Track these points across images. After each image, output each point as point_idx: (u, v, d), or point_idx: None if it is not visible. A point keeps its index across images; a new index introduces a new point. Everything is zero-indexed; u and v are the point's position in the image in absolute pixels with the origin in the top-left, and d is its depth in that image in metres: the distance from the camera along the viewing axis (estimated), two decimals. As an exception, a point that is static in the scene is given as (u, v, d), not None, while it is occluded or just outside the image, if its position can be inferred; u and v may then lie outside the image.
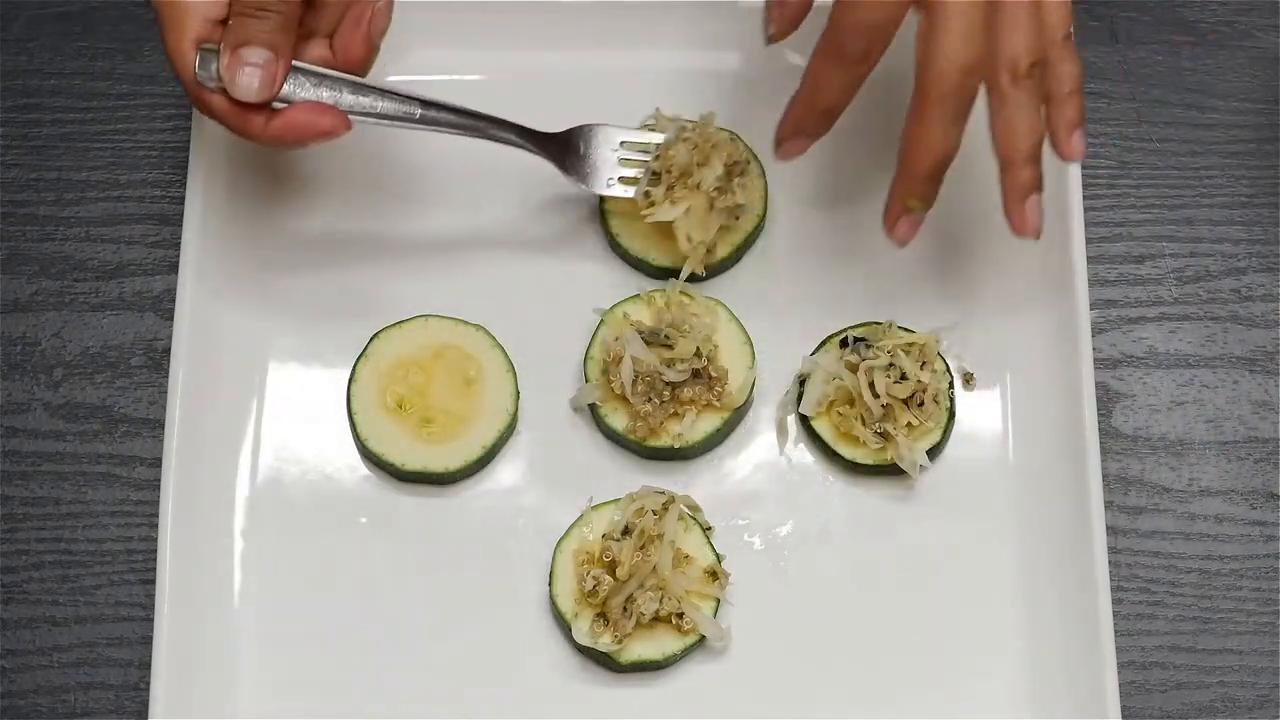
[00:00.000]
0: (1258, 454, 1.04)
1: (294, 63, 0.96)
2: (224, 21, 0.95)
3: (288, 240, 1.06)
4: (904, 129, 0.95)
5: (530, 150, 1.02)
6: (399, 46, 1.07)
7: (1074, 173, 1.04)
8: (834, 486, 1.03)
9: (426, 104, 0.99)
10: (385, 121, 0.98)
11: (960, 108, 0.94)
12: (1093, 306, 1.04)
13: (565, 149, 1.03)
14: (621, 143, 1.03)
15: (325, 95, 0.96)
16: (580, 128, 1.03)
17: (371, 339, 1.03)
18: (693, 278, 1.04)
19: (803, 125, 0.98)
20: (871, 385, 1.01)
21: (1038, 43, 0.94)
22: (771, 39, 0.98)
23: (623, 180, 1.03)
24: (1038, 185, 0.96)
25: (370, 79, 0.98)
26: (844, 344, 1.02)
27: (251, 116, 0.95)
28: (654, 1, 1.08)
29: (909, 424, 1.01)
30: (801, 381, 1.03)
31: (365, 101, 0.97)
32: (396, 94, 0.98)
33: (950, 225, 1.07)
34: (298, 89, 0.96)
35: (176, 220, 1.05)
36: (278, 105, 0.95)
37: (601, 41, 1.08)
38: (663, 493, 1.00)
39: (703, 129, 1.03)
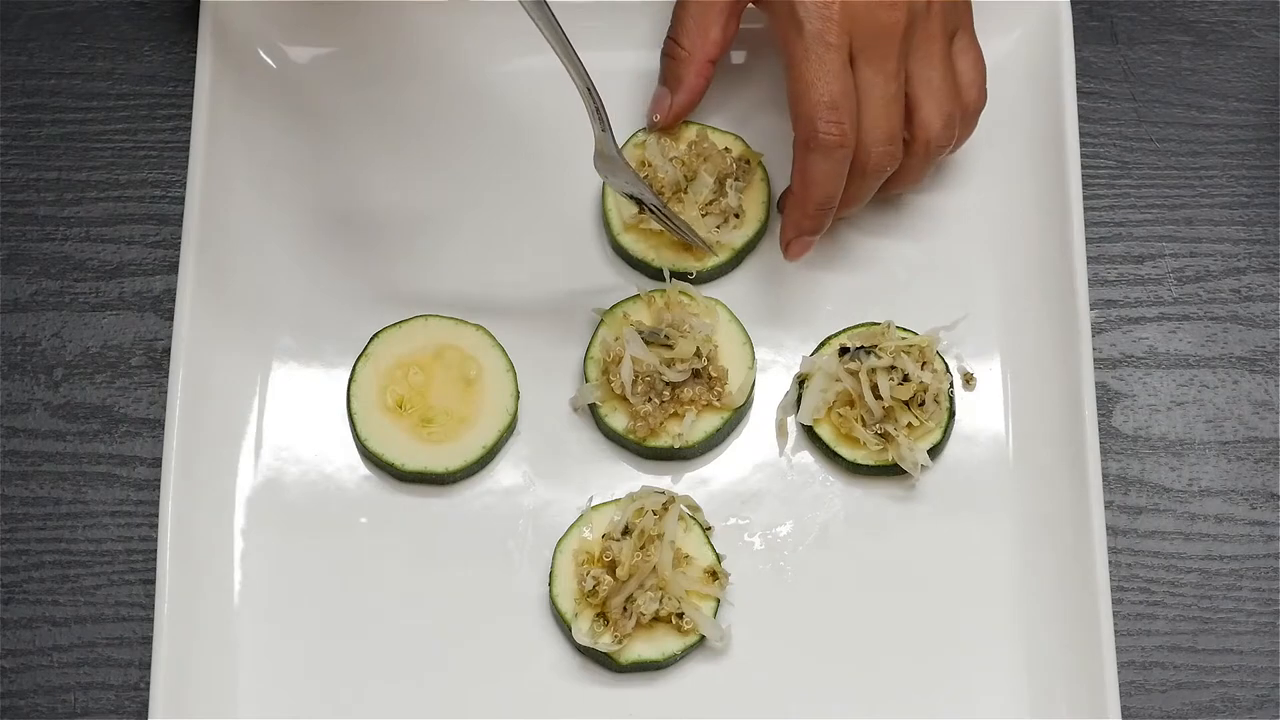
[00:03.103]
0: (1258, 454, 1.04)
1: None
2: None
3: (288, 240, 1.06)
4: (801, 174, 0.99)
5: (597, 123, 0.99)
6: (414, 46, 1.07)
7: (1074, 173, 1.04)
8: (834, 487, 1.03)
9: (565, 44, 0.95)
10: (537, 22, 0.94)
11: (882, 173, 1.00)
12: (1093, 306, 1.04)
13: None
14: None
15: None
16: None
17: (371, 339, 1.03)
18: (692, 278, 1.04)
19: (810, 211, 1.01)
20: (874, 388, 1.01)
21: (952, 111, 1.00)
22: (653, 127, 1.05)
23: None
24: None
25: None
26: (843, 352, 1.02)
27: None
28: (656, 1, 1.08)
29: (909, 424, 1.01)
30: (801, 382, 1.03)
31: None
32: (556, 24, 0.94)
33: (949, 226, 1.07)
34: None
35: (176, 220, 1.05)
36: None
37: (601, 42, 1.08)
38: (663, 493, 1.00)
39: (697, 144, 1.05)
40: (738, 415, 1.03)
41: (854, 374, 1.01)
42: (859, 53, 0.98)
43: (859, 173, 0.99)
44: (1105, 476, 1.02)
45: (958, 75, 1.01)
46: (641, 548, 0.98)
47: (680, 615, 0.98)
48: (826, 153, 0.98)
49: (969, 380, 1.04)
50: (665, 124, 1.05)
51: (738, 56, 1.09)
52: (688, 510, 1.00)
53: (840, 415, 1.02)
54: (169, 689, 0.96)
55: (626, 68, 1.09)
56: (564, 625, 0.99)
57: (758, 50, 1.09)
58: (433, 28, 1.09)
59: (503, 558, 1.01)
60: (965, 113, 1.02)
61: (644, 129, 1.06)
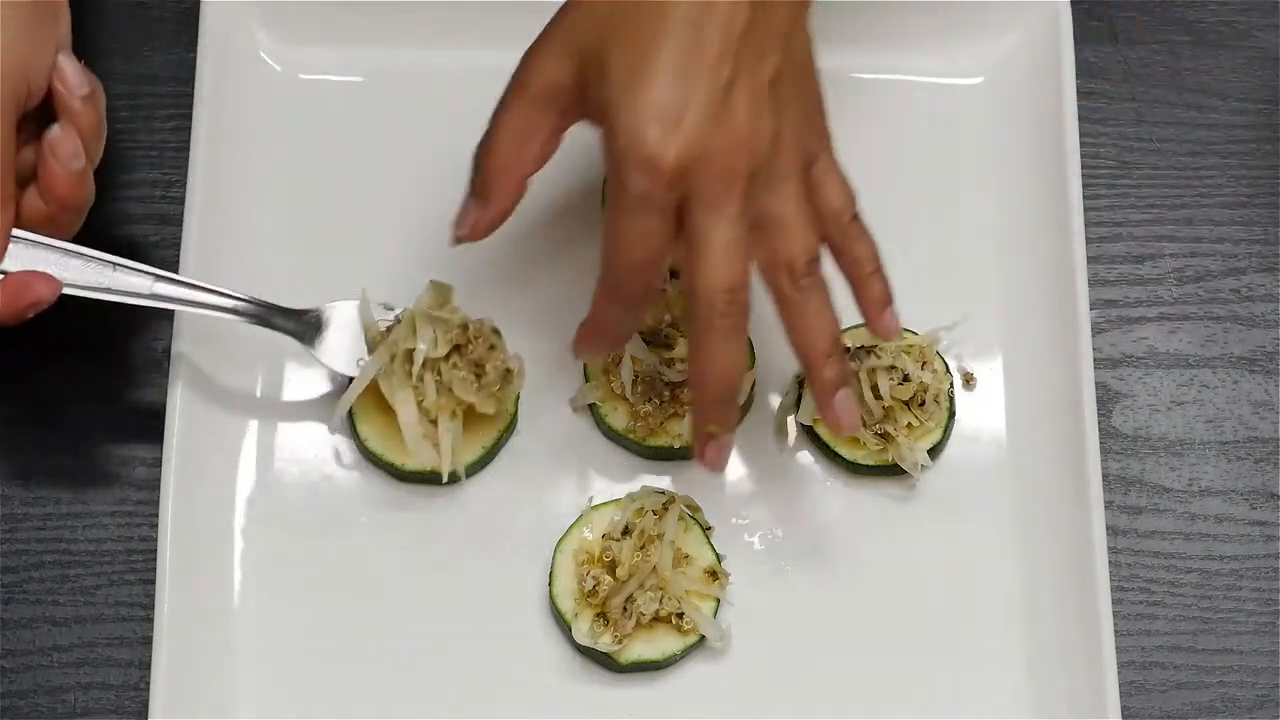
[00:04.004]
0: (1258, 454, 1.04)
1: (15, 233, 0.93)
2: None
3: (288, 240, 1.06)
4: (688, 356, 0.94)
5: (277, 330, 0.99)
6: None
7: (1074, 173, 1.04)
8: (834, 487, 1.03)
9: (161, 278, 0.96)
10: (113, 297, 0.95)
11: (734, 325, 0.90)
12: (1093, 306, 1.04)
13: (312, 327, 1.00)
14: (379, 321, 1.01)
15: (53, 263, 0.94)
16: (324, 307, 1.01)
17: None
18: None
19: (595, 347, 0.97)
20: (875, 388, 1.01)
21: (811, 241, 0.92)
22: (458, 241, 0.97)
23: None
24: (844, 379, 0.95)
25: (103, 253, 0.95)
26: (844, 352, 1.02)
27: None
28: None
29: (909, 424, 1.01)
30: (801, 382, 1.03)
31: (94, 275, 0.95)
32: (129, 267, 0.96)
33: (949, 226, 1.07)
34: (20, 262, 0.93)
35: (176, 220, 1.04)
36: None
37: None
38: (663, 493, 1.00)
39: None
40: (738, 415, 1.03)
41: (854, 374, 1.01)
42: (694, 202, 0.88)
43: (703, 327, 0.91)
44: (1105, 476, 1.02)
45: (821, 202, 0.93)
46: (641, 548, 0.98)
47: (680, 615, 0.98)
48: (626, 305, 0.92)
49: (969, 380, 1.04)
50: (470, 239, 0.96)
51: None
52: (688, 510, 1.00)
53: (840, 415, 1.02)
54: (169, 689, 0.96)
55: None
56: (564, 625, 0.99)
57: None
58: (434, 27, 1.09)
59: (503, 558, 1.01)
60: (841, 238, 0.94)
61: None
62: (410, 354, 0.98)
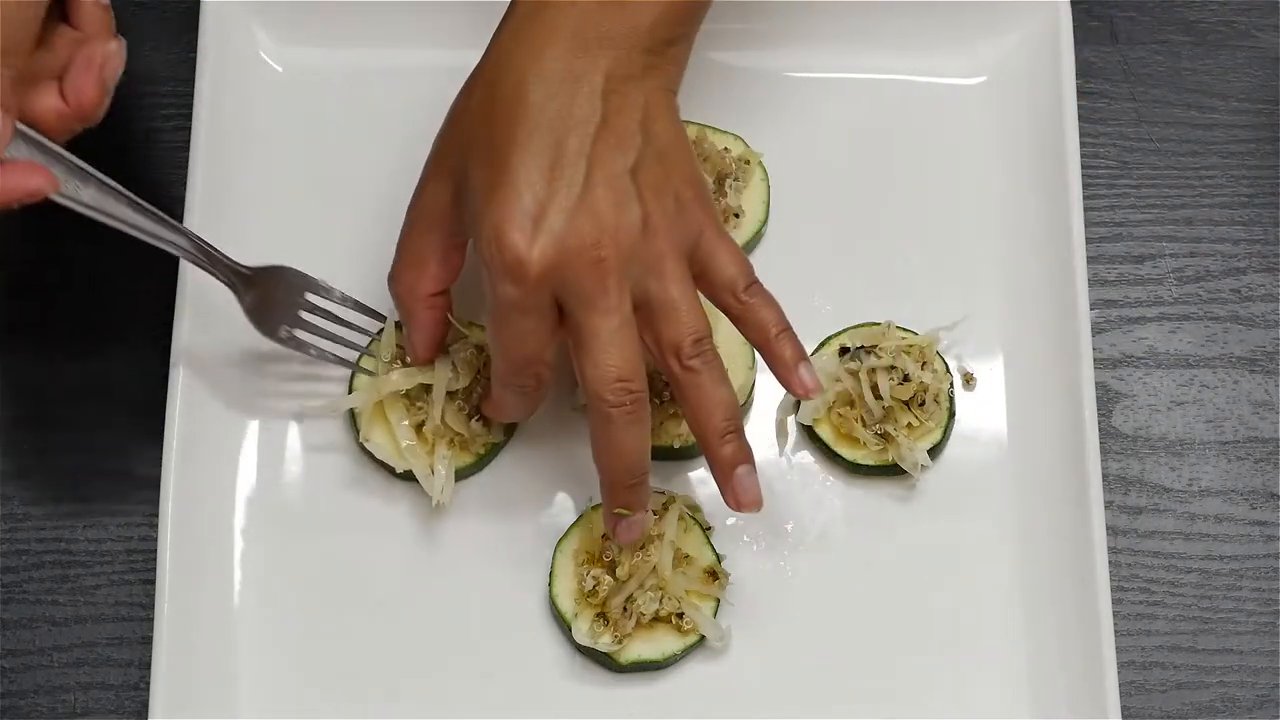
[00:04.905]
0: (1258, 454, 1.04)
1: (40, 139, 0.91)
2: None
3: (288, 241, 1.06)
4: (591, 444, 0.94)
5: (220, 280, 0.99)
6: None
7: (1074, 172, 1.04)
8: (834, 487, 1.03)
9: (135, 205, 0.95)
10: (86, 210, 0.93)
11: (631, 413, 0.92)
12: (1093, 306, 1.04)
13: (253, 286, 1.00)
14: (308, 296, 1.01)
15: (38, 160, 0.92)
16: (273, 268, 1.00)
17: (372, 340, 1.03)
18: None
19: (501, 420, 1.00)
20: (874, 388, 1.01)
21: (697, 320, 0.92)
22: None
23: (293, 341, 1.01)
24: (743, 457, 0.94)
25: (88, 166, 0.93)
26: (843, 352, 1.02)
27: None
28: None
29: (909, 424, 1.01)
30: (801, 381, 1.03)
31: (72, 184, 0.93)
32: (106, 184, 0.94)
33: (949, 226, 1.07)
34: (12, 149, 0.91)
35: (176, 220, 1.04)
36: None
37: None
38: (663, 493, 1.00)
39: (697, 144, 1.04)
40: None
41: (854, 374, 1.01)
42: (568, 298, 0.90)
43: (600, 419, 0.92)
44: (1105, 476, 1.02)
45: (714, 277, 0.93)
46: (641, 548, 0.98)
47: (680, 615, 0.98)
48: (522, 394, 0.95)
49: (969, 380, 1.04)
50: (420, 363, 0.99)
51: (738, 57, 1.09)
52: (688, 510, 1.00)
53: (840, 415, 1.02)
54: (169, 689, 0.96)
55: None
56: (564, 625, 0.99)
57: (758, 50, 1.09)
58: (435, 27, 1.09)
59: (503, 558, 1.01)
60: (740, 309, 0.94)
61: None
62: (424, 389, 1.00)
